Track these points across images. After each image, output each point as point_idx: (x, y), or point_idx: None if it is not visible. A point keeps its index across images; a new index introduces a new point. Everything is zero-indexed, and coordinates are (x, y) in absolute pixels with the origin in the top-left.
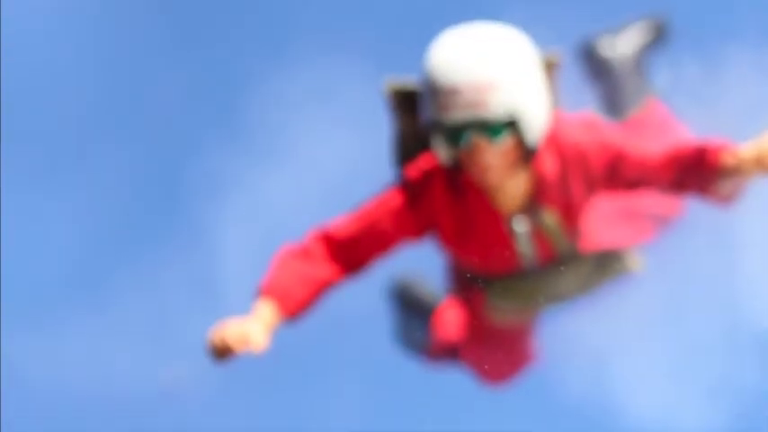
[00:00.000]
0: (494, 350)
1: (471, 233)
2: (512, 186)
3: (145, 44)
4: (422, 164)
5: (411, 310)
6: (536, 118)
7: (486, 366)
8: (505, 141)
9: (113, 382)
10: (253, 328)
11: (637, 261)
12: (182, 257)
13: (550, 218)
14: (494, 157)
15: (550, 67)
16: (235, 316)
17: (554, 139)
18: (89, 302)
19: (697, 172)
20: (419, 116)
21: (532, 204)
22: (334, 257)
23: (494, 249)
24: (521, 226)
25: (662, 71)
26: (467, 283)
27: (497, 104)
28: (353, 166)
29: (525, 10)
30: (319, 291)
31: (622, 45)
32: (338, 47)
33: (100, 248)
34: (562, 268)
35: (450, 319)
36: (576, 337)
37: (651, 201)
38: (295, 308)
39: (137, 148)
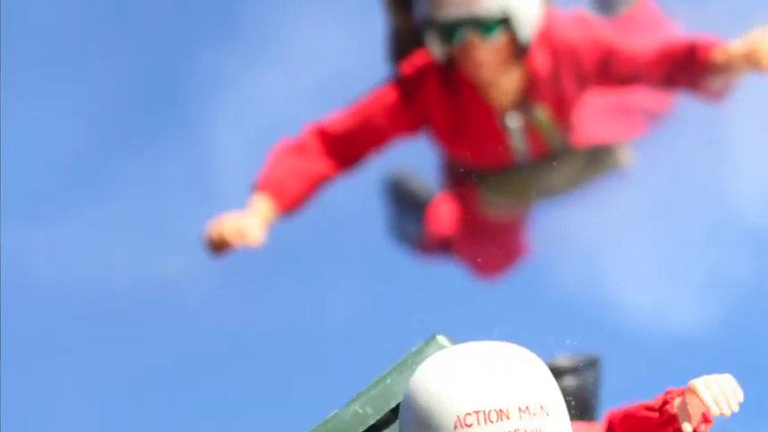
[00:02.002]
0: (487, 244)
1: (465, 129)
2: (505, 82)
3: None
4: (416, 61)
5: (405, 204)
6: (529, 15)
7: (479, 260)
8: (499, 38)
9: (112, 277)
10: (249, 221)
11: (628, 156)
12: (179, 154)
13: (543, 113)
14: (487, 54)
15: None
16: (231, 211)
17: (546, 36)
18: (87, 198)
19: (688, 68)
20: (414, 13)
21: (525, 100)
22: (330, 152)
23: (487, 144)
24: (514, 121)
25: None
26: (460, 178)
27: (491, 1)
28: (349, 64)
29: None
30: (314, 185)
31: None
32: None
33: (98, 146)
34: (554, 163)
35: (444, 214)
36: (567, 231)
37: (642, 96)
38: (290, 202)
39: (133, 48)
